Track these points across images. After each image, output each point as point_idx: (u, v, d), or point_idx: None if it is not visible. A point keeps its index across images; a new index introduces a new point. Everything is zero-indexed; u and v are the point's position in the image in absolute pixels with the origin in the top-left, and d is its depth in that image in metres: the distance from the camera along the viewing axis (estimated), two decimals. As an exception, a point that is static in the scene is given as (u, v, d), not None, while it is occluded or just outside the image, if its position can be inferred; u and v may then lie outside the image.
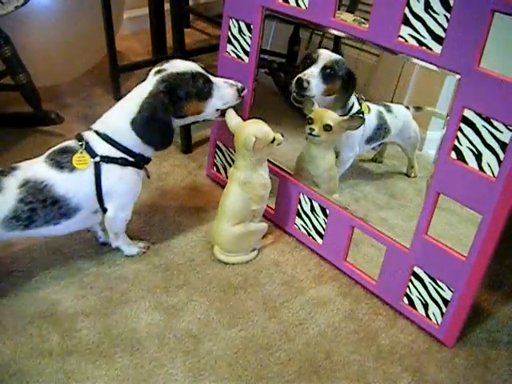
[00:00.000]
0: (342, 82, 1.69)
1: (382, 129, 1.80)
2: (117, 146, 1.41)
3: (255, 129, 1.48)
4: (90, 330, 1.38)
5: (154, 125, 1.40)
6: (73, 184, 1.39)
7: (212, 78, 1.48)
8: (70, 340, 1.35)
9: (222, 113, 1.54)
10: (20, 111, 2.25)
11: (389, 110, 1.80)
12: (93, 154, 1.40)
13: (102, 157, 1.40)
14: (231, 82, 1.51)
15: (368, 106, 1.76)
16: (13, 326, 1.38)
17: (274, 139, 1.50)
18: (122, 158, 1.42)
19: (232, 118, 1.54)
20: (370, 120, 1.75)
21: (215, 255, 1.61)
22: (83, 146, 1.40)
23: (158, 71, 1.43)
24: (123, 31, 3.00)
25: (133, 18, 3.12)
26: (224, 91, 1.50)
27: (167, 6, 2.51)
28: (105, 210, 1.47)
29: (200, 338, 1.37)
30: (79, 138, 1.43)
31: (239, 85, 1.52)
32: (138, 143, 1.43)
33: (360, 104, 1.74)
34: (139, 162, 1.46)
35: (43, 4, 2.12)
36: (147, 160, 1.49)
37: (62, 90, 2.51)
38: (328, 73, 1.67)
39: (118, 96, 2.48)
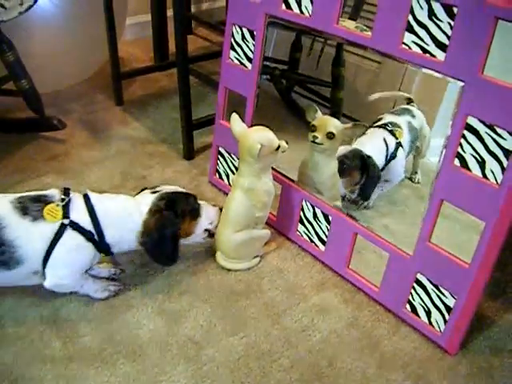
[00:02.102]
0: (359, 170, 1.71)
1: (414, 139, 1.80)
2: (95, 223, 1.36)
3: (260, 136, 1.48)
4: (92, 335, 1.38)
5: (166, 244, 1.41)
6: (27, 234, 1.30)
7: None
8: (72, 346, 1.35)
9: (210, 233, 1.57)
10: (22, 117, 2.25)
11: (413, 116, 1.79)
12: (65, 215, 1.33)
13: (72, 222, 1.33)
14: (211, 203, 1.58)
15: (401, 130, 1.76)
16: (14, 332, 1.38)
17: (278, 146, 1.50)
18: (90, 232, 1.35)
19: (236, 125, 1.54)
20: (404, 138, 1.76)
21: (218, 262, 1.60)
22: (63, 202, 1.34)
23: (154, 191, 1.46)
24: (126, 37, 3.01)
25: (135, 24, 3.13)
26: (209, 210, 1.54)
27: (170, 13, 2.51)
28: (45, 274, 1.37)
29: (202, 345, 1.37)
30: (66, 192, 1.37)
31: (219, 204, 1.58)
32: (116, 241, 1.40)
33: (394, 134, 1.74)
34: (100, 247, 1.39)
35: (46, 10, 2.13)
36: (108, 252, 1.42)
37: (64, 95, 2.51)
38: (341, 168, 1.68)
39: (120, 102, 2.49)
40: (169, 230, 1.40)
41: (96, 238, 1.37)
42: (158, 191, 1.46)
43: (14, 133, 2.24)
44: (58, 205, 1.34)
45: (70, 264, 1.37)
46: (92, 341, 1.36)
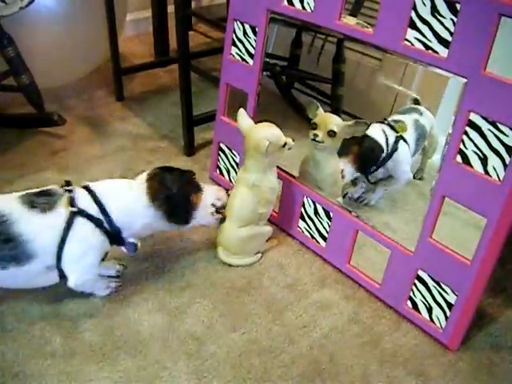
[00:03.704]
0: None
1: (421, 137, 1.78)
2: (101, 208, 1.36)
3: (268, 132, 1.48)
4: (92, 331, 1.38)
5: (177, 198, 1.42)
6: (37, 226, 1.29)
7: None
8: (73, 341, 1.35)
9: (217, 211, 1.54)
10: (22, 112, 2.25)
11: (421, 114, 1.78)
12: (72, 204, 1.33)
13: (80, 209, 1.33)
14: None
15: (403, 125, 1.75)
16: (15, 328, 1.38)
17: (285, 143, 1.50)
18: (99, 219, 1.36)
19: (244, 121, 1.53)
20: (410, 135, 1.75)
21: (219, 257, 1.60)
22: (68, 193, 1.35)
23: None
24: (126, 33, 3.00)
25: (136, 20, 3.12)
26: (213, 188, 1.56)
27: (170, 9, 2.51)
28: (60, 271, 1.35)
29: (203, 341, 1.37)
30: (68, 183, 1.38)
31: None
32: (125, 221, 1.39)
33: (394, 129, 1.74)
34: (111, 234, 1.38)
35: (47, 5, 2.12)
36: (119, 239, 1.41)
37: (64, 91, 2.51)
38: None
39: (121, 98, 2.49)
40: (174, 185, 1.42)
41: (105, 225, 1.36)
42: None
43: (14, 128, 2.24)
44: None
45: (84, 254, 1.36)
46: (93, 336, 1.36)
